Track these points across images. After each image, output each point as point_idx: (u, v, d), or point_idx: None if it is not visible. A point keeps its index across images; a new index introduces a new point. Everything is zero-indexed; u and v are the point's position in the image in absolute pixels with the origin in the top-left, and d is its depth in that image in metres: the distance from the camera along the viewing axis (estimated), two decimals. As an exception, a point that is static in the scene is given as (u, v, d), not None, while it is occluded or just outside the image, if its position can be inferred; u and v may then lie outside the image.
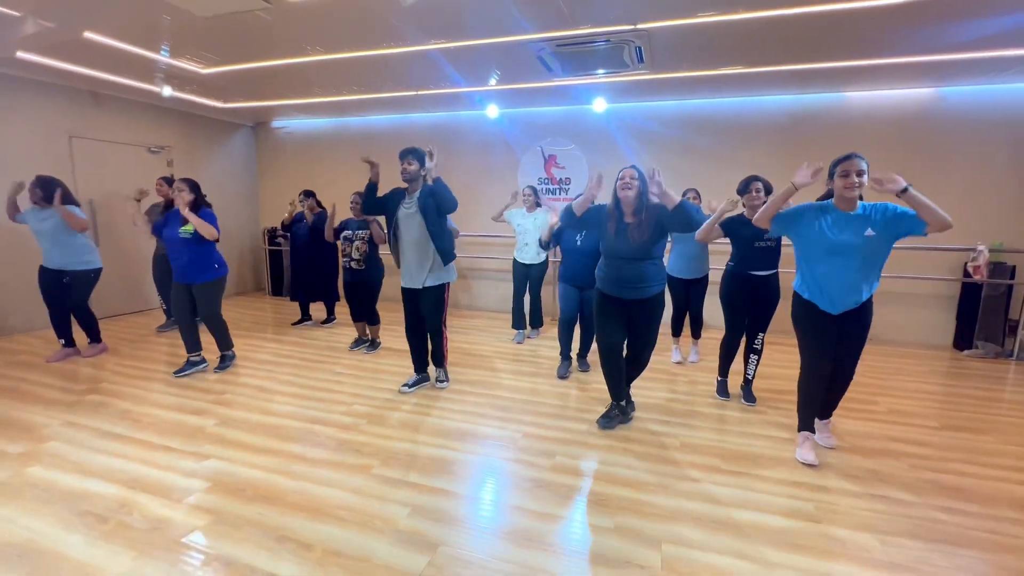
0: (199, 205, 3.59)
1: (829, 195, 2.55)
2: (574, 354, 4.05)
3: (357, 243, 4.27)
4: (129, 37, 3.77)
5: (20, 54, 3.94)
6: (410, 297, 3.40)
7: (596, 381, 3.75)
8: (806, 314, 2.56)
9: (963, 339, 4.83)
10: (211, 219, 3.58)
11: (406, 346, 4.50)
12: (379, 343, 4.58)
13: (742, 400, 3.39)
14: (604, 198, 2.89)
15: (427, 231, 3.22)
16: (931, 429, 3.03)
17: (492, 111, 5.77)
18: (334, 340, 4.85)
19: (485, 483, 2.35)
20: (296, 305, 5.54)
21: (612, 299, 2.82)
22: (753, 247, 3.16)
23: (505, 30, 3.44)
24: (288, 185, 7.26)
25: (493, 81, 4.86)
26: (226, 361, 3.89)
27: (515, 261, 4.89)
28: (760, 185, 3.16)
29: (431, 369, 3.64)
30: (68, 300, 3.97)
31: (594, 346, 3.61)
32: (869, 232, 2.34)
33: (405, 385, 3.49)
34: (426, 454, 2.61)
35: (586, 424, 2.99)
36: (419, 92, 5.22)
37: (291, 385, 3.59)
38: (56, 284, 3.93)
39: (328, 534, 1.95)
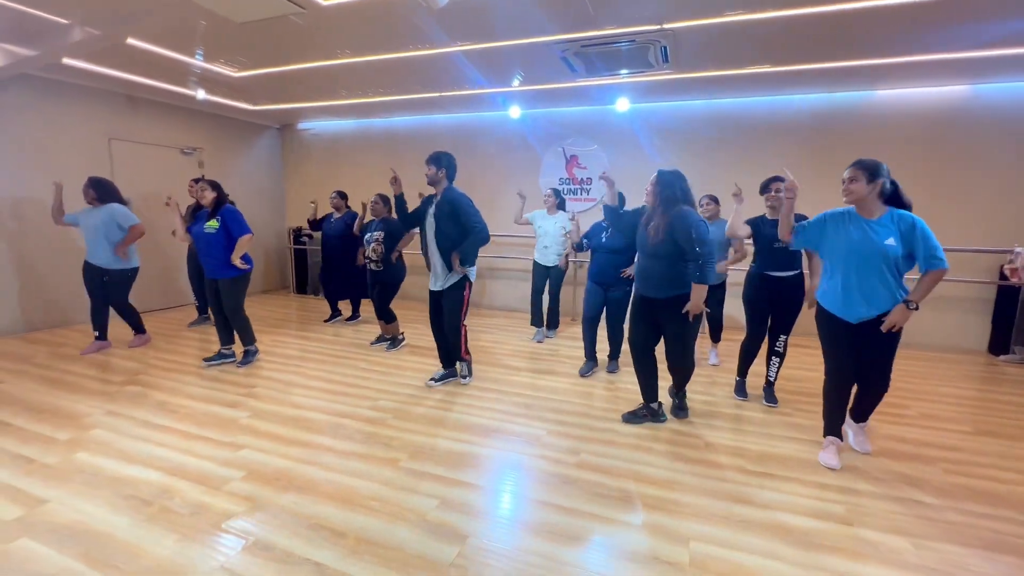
0: (222, 203, 3.72)
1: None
2: (602, 355, 4.05)
3: (373, 244, 4.35)
4: (168, 42, 3.93)
5: (66, 60, 4.12)
6: (434, 298, 3.48)
7: (622, 382, 3.75)
8: (825, 322, 2.54)
9: (999, 344, 4.69)
10: (235, 216, 3.72)
11: (428, 344, 4.64)
12: (402, 339, 4.65)
13: (764, 401, 3.36)
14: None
15: (438, 239, 3.28)
16: (964, 434, 2.96)
17: (515, 112, 5.82)
18: (360, 337, 4.94)
19: (511, 478, 2.39)
20: (322, 302, 5.67)
21: (640, 297, 2.86)
22: (772, 248, 3.14)
23: (530, 31, 3.48)
24: (313, 185, 7.43)
25: (516, 83, 4.90)
26: (248, 356, 3.99)
27: (535, 262, 4.92)
28: (781, 185, 3.13)
29: (457, 365, 3.69)
30: (109, 298, 4.15)
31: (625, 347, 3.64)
32: (890, 241, 2.29)
33: (432, 379, 3.56)
34: (452, 449, 2.66)
35: (610, 423, 3.00)
36: (443, 94, 5.30)
37: (318, 380, 3.69)
38: (98, 280, 4.11)
39: (360, 523, 2.01)
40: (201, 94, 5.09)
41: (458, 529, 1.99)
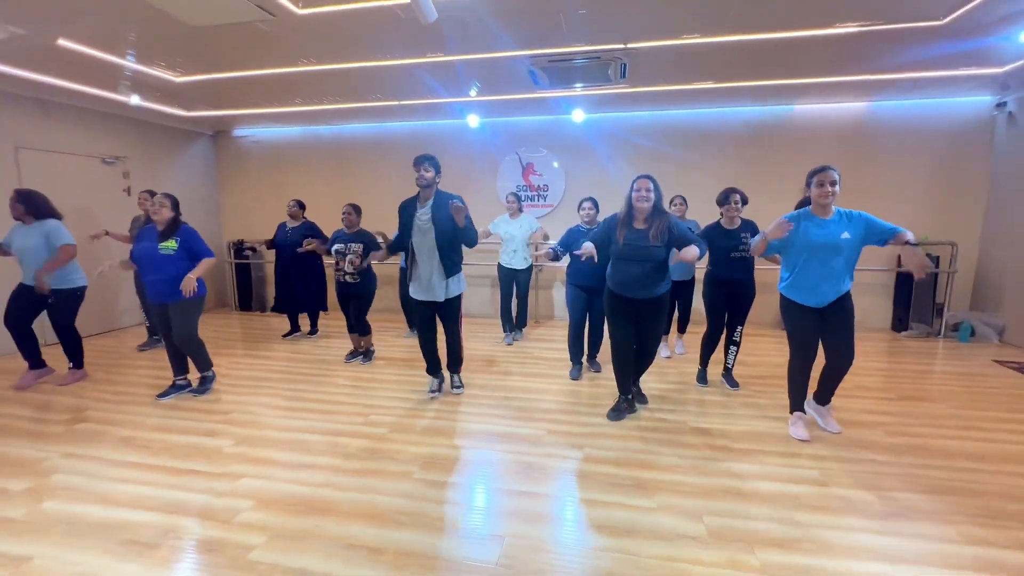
0: (178, 224, 3.43)
1: (806, 202, 2.90)
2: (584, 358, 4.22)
3: (351, 256, 4.24)
4: (103, 44, 3.58)
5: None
6: (427, 308, 3.41)
7: (601, 377, 3.96)
8: (792, 311, 2.89)
9: (900, 322, 5.50)
10: (196, 236, 3.44)
11: (401, 355, 4.61)
12: (373, 352, 4.56)
13: (726, 386, 3.72)
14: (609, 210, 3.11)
15: (439, 246, 3.22)
16: (890, 400, 3.48)
17: (473, 120, 5.89)
18: (324, 353, 4.77)
19: (528, 478, 2.48)
20: (269, 318, 5.40)
21: (623, 299, 3.03)
22: (730, 257, 3.52)
23: (503, 45, 3.60)
24: (253, 196, 7.01)
25: (473, 92, 4.99)
26: (206, 383, 3.67)
27: (501, 266, 5.02)
28: (738, 197, 3.54)
29: (445, 374, 3.69)
30: (55, 321, 3.70)
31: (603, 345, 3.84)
32: (845, 235, 2.69)
33: (432, 391, 3.55)
34: (461, 456, 2.70)
35: (602, 418, 3.18)
36: (402, 102, 5.26)
37: (298, 400, 3.54)
38: (32, 303, 3.63)
39: (393, 538, 2.01)
40: (135, 99, 4.65)
41: (492, 531, 2.05)
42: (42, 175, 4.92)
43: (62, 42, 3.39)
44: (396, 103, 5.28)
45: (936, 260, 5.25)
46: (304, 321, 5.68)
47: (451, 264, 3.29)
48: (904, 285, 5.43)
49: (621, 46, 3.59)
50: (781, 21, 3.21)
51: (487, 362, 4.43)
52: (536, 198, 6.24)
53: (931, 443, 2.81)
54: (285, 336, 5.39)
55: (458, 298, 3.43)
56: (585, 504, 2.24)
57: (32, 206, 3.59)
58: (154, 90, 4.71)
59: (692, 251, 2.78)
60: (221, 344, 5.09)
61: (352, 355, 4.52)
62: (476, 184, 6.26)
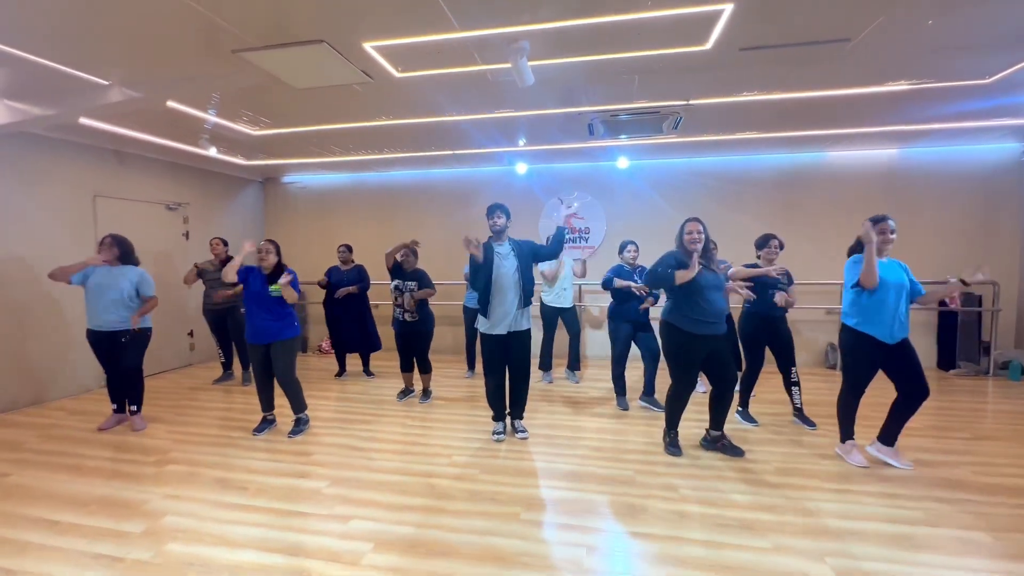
0: (282, 268, 3.61)
1: (859, 247, 3.08)
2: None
3: (408, 295, 4.37)
4: (205, 104, 3.86)
5: (83, 120, 3.90)
6: (503, 344, 3.48)
7: (651, 415, 3.99)
8: (861, 345, 3.00)
9: (944, 360, 5.54)
10: (296, 278, 3.63)
11: (455, 394, 4.64)
12: (431, 392, 4.61)
13: (805, 427, 3.74)
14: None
15: (521, 275, 3.43)
16: (967, 440, 3.50)
17: (521, 168, 6.17)
18: (377, 392, 4.82)
19: (636, 519, 2.49)
20: (316, 359, 5.49)
21: (701, 338, 3.10)
22: (768, 293, 3.67)
23: (576, 103, 3.86)
24: (299, 240, 7.23)
25: (522, 142, 5.27)
26: (301, 425, 3.76)
27: (546, 306, 5.07)
28: (776, 242, 3.75)
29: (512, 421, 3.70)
30: (125, 362, 3.77)
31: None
32: (904, 277, 2.91)
33: (497, 433, 3.57)
34: (560, 497, 2.72)
35: (684, 457, 3.20)
36: (455, 152, 5.54)
37: (375, 440, 3.57)
38: (114, 346, 3.73)
39: (525, 580, 2.03)
40: (213, 151, 4.94)
41: (614, 570, 2.07)
42: (115, 221, 5.14)
43: (171, 104, 3.66)
44: (450, 153, 5.56)
45: (979, 300, 5.35)
46: (351, 361, 5.75)
47: (528, 295, 3.49)
48: (948, 323, 5.51)
49: (683, 102, 3.85)
50: (838, 80, 3.47)
51: (539, 402, 4.46)
52: (578, 239, 6.43)
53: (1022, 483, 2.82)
54: (338, 376, 5.46)
55: (529, 332, 3.54)
56: (702, 546, 2.26)
57: (124, 251, 3.76)
58: (228, 142, 5.00)
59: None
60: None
61: (404, 393, 4.54)
62: (520, 227, 6.44)
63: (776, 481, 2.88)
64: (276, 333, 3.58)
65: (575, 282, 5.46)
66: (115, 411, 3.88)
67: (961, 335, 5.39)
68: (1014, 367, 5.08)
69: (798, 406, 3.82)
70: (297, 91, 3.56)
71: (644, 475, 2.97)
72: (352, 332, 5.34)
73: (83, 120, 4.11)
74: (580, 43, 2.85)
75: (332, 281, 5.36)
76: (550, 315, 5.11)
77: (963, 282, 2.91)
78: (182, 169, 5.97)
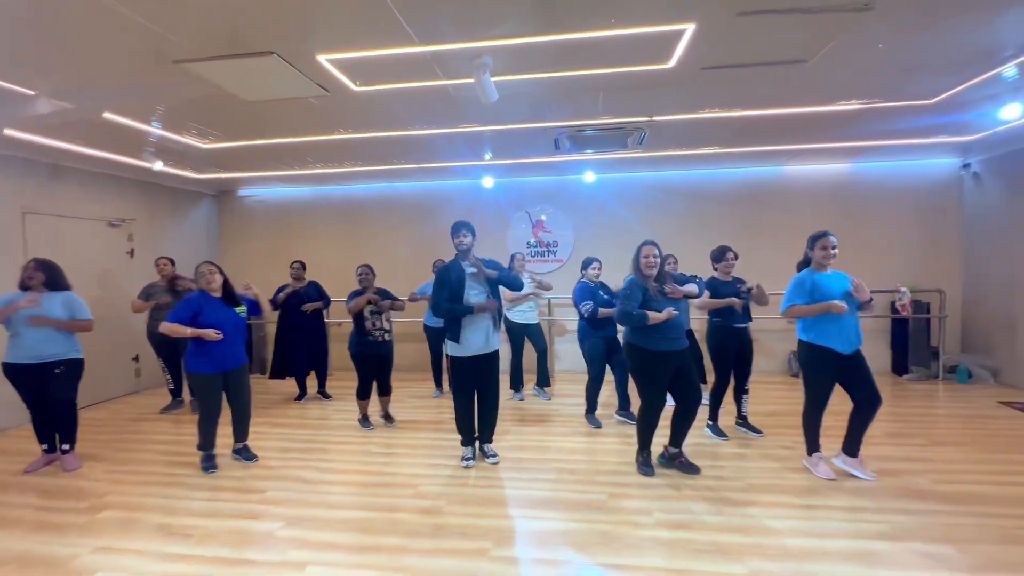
0: (231, 289, 3.40)
1: (807, 262, 3.17)
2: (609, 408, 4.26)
3: (386, 314, 4.21)
4: (146, 117, 3.61)
5: (7, 131, 3.57)
6: (476, 366, 3.36)
7: (626, 432, 3.95)
8: (819, 358, 3.04)
9: (898, 366, 5.76)
10: (253, 304, 3.51)
11: (420, 416, 4.48)
12: (393, 417, 4.42)
13: (749, 434, 3.83)
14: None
15: (488, 295, 3.34)
16: (924, 446, 3.60)
17: (488, 182, 6.10)
18: (339, 417, 4.60)
19: (611, 549, 2.40)
20: (268, 382, 5.32)
21: (664, 355, 3.07)
22: (729, 307, 3.71)
23: (541, 118, 3.83)
24: (258, 256, 6.91)
25: (488, 156, 5.21)
26: (249, 451, 3.60)
27: (514, 323, 4.96)
28: (732, 254, 3.83)
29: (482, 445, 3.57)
30: (59, 394, 3.43)
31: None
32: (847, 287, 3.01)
33: (467, 459, 3.43)
34: (530, 528, 2.61)
35: (657, 478, 3.15)
36: (420, 165, 5.42)
37: (335, 472, 3.37)
38: (41, 379, 3.38)
39: (495, 626, 1.90)
40: (159, 165, 4.63)
41: (595, 612, 1.97)
42: (48, 240, 4.75)
43: (108, 116, 3.40)
44: (414, 166, 5.43)
45: (927, 307, 5.60)
46: (310, 383, 5.50)
47: (500, 316, 3.41)
48: (900, 330, 5.74)
49: (647, 119, 3.87)
50: (794, 99, 3.56)
51: (505, 422, 4.36)
52: (546, 253, 6.39)
53: (985, 490, 2.90)
54: (297, 400, 5.19)
55: (498, 353, 3.44)
56: (673, 573, 2.19)
57: (51, 276, 3.43)
58: (175, 155, 4.71)
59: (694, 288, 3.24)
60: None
61: (367, 422, 4.33)
62: (488, 241, 6.38)
63: (746, 499, 2.86)
64: (240, 357, 3.42)
65: (544, 296, 5.41)
66: (45, 451, 3.52)
67: (912, 341, 5.62)
68: (961, 371, 5.32)
69: (744, 414, 3.92)
70: (249, 103, 3.38)
71: (617, 499, 2.89)
72: (308, 352, 5.12)
73: (8, 131, 3.77)
74: (544, 60, 2.81)
75: (289, 299, 5.12)
76: (517, 332, 5.01)
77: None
78: (127, 183, 5.60)
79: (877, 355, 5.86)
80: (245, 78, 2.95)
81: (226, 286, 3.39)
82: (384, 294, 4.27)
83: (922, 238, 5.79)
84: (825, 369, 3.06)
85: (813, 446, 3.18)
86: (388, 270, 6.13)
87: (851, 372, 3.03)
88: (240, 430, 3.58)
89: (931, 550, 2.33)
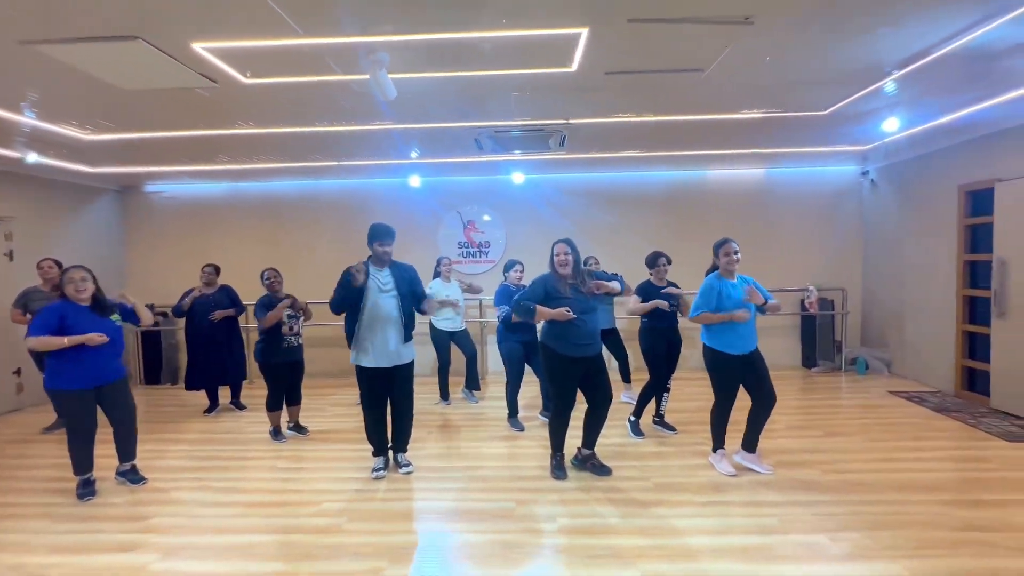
0: (101, 298, 3.06)
1: (715, 268, 3.27)
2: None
3: (299, 319, 4.01)
4: (10, 105, 3.21)
5: None
6: (382, 377, 3.23)
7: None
8: (721, 361, 3.17)
9: (807, 359, 6.15)
10: (123, 304, 3.19)
11: (342, 426, 4.30)
12: (305, 427, 4.21)
13: (663, 432, 3.95)
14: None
15: (402, 310, 3.19)
16: (820, 438, 3.83)
17: (415, 181, 5.93)
18: (251, 431, 4.32)
19: (509, 560, 2.36)
20: (181, 392, 5.01)
21: (573, 360, 3.07)
22: (662, 311, 3.81)
23: (454, 118, 3.74)
24: (167, 257, 6.40)
25: (414, 155, 5.07)
26: (137, 472, 3.30)
27: (439, 331, 4.81)
28: (664, 259, 3.93)
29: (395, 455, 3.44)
30: None
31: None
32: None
33: (377, 470, 3.29)
34: (431, 543, 2.53)
35: (567, 481, 3.15)
36: (340, 163, 5.19)
37: (232, 492, 3.14)
38: None
39: (373, 655, 1.81)
40: (32, 157, 4.14)
41: (481, 630, 1.92)
42: None
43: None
44: (335, 163, 5.20)
45: (832, 304, 6.01)
46: (223, 393, 5.14)
47: (410, 329, 3.25)
48: (808, 326, 6.12)
49: (563, 121, 3.88)
50: (699, 107, 3.67)
51: (426, 428, 4.27)
52: (478, 254, 6.32)
53: (863, 478, 3.11)
54: (207, 412, 4.84)
55: (413, 364, 3.33)
56: (571, 583, 2.18)
57: None
58: (56, 147, 4.24)
59: (616, 286, 3.22)
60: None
61: (279, 434, 4.08)
62: (418, 241, 6.23)
63: (654, 499, 2.91)
64: (117, 369, 3.12)
65: (471, 298, 5.32)
66: None
67: (819, 336, 6.01)
68: (860, 363, 5.75)
69: (661, 412, 4.02)
70: (137, 95, 3.09)
71: (525, 505, 2.87)
72: (221, 361, 4.78)
73: None
74: (445, 58, 2.72)
75: (197, 305, 4.76)
76: (442, 339, 4.84)
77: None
78: (4, 176, 5.00)
79: (788, 350, 6.23)
80: (116, 65, 2.68)
81: (97, 295, 3.04)
82: (295, 301, 4.04)
83: (828, 240, 6.20)
84: (728, 371, 3.17)
85: (718, 443, 3.29)
86: (312, 272, 5.87)
87: (749, 372, 3.16)
88: (124, 449, 3.26)
89: (808, 540, 2.45)
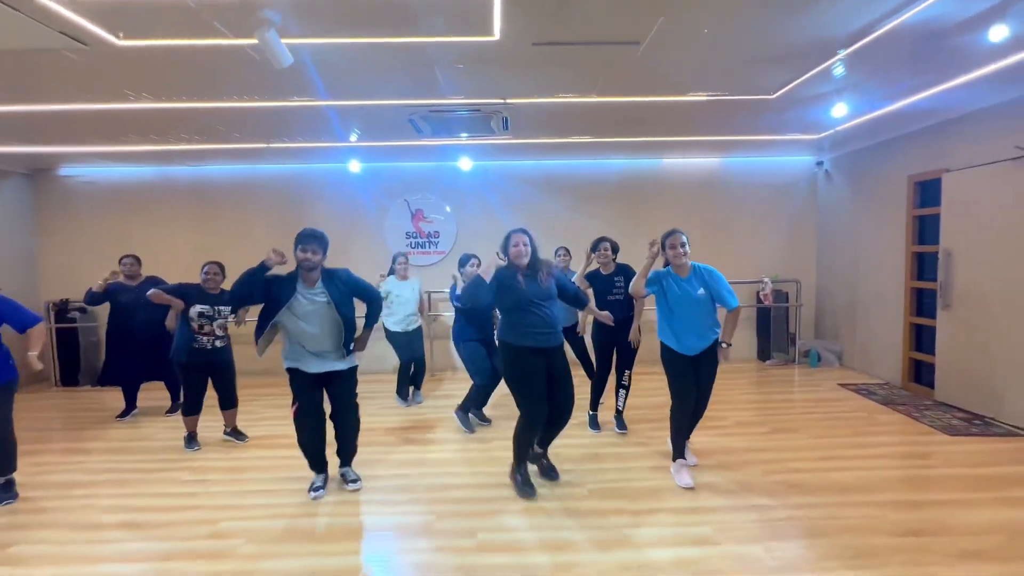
0: None
1: (664, 262, 3.07)
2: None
3: (220, 321, 3.64)
4: None
5: None
6: (318, 384, 2.90)
7: (494, 438, 3.73)
8: (669, 358, 2.99)
9: (763, 351, 6.09)
10: (13, 305, 2.82)
11: (279, 431, 3.94)
12: (244, 433, 3.87)
13: (615, 429, 3.76)
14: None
15: (341, 320, 2.84)
16: (766, 435, 3.71)
17: (354, 166, 5.56)
18: (159, 438, 3.95)
19: (410, 585, 2.12)
20: (101, 394, 4.51)
21: (535, 351, 2.80)
22: (607, 300, 3.64)
23: (380, 95, 3.41)
24: (85, 247, 5.86)
25: (353, 138, 4.71)
26: (12, 489, 2.92)
27: (396, 333, 4.55)
28: (607, 244, 3.70)
29: (334, 467, 3.09)
30: None
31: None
32: (701, 291, 2.90)
33: (316, 490, 2.91)
34: (335, 566, 2.26)
35: (500, 489, 2.92)
36: (270, 145, 4.78)
37: (119, 511, 2.79)
38: None
39: None
40: None
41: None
42: None
43: None
44: (264, 145, 4.79)
45: (786, 296, 5.95)
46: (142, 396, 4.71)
47: (350, 339, 2.91)
48: (764, 319, 6.06)
49: (501, 101, 3.59)
50: (643, 88, 3.45)
51: (378, 433, 3.97)
52: (427, 244, 6.01)
53: (803, 478, 2.97)
54: (121, 417, 4.41)
55: (356, 369, 3.03)
56: (477, 612, 1.95)
57: None
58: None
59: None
60: (32, 435, 3.95)
61: (193, 441, 3.72)
62: (363, 231, 5.89)
63: (588, 508, 2.70)
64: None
65: (425, 290, 5.01)
66: None
67: (773, 328, 5.96)
68: (812, 355, 5.72)
69: (620, 409, 3.82)
70: (6, 59, 2.66)
71: (446, 518, 2.62)
72: (144, 358, 4.35)
73: None
74: (344, 20, 2.40)
75: (123, 301, 4.31)
76: (403, 341, 4.57)
77: (725, 343, 2.96)
78: None
79: (744, 343, 6.16)
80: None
81: None
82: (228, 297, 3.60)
83: (783, 231, 6.13)
84: (674, 367, 2.99)
85: (677, 451, 3.03)
86: (247, 261, 5.33)
87: (695, 375, 2.97)
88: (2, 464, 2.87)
89: (742, 552, 2.29)
